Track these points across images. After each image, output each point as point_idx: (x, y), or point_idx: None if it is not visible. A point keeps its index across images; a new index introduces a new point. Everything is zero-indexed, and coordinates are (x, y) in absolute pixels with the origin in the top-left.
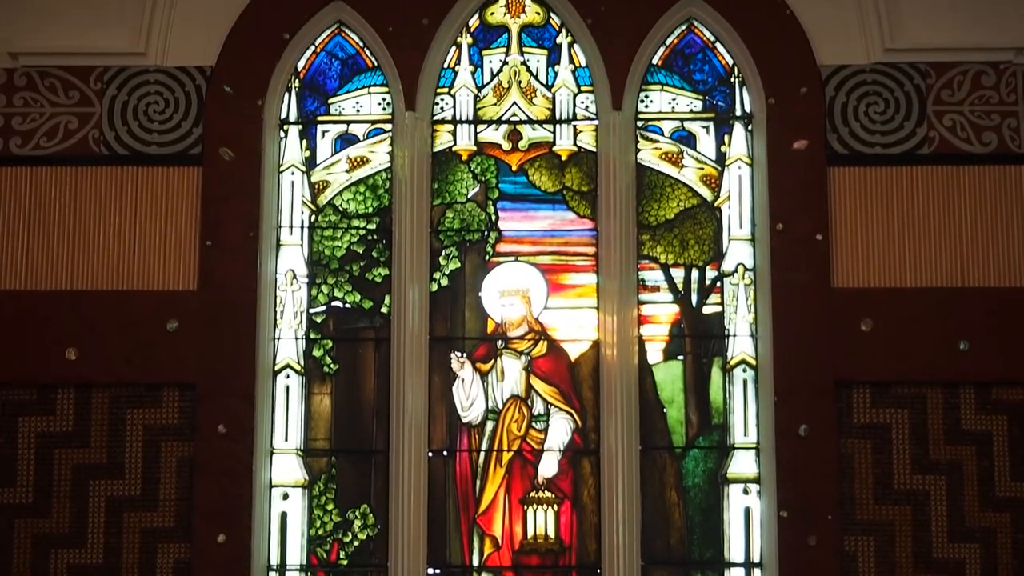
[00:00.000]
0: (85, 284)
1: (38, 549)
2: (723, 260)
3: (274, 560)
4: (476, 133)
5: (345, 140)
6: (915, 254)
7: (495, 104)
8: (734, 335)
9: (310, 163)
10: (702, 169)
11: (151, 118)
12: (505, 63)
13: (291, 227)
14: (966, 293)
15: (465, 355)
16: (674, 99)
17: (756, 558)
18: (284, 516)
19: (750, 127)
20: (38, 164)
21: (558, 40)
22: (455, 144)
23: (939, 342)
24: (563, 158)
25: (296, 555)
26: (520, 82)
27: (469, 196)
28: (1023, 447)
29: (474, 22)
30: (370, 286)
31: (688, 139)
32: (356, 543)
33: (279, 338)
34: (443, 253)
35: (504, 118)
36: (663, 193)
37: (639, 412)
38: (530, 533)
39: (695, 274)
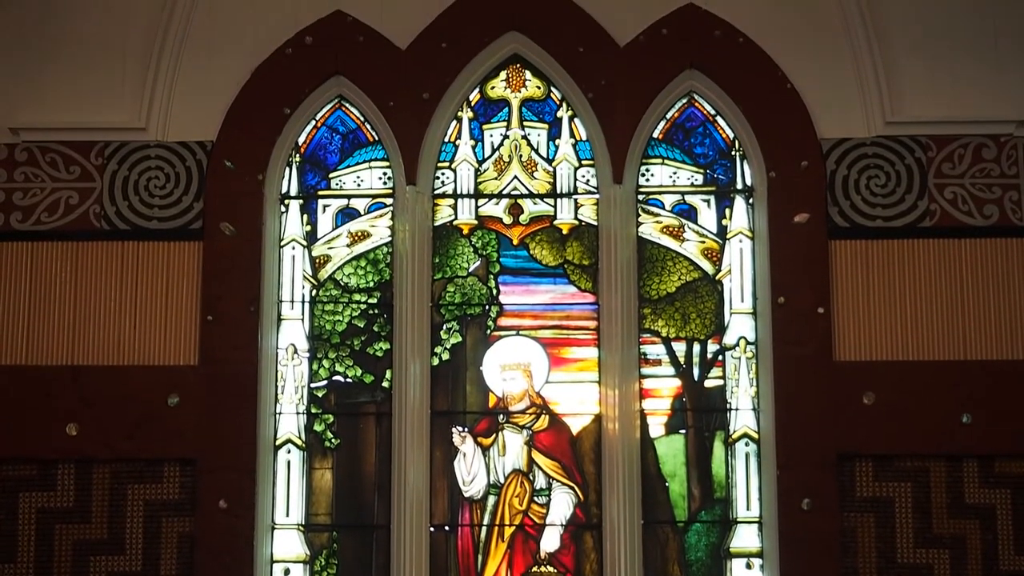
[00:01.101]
0: (86, 359)
1: None
2: (725, 334)
3: None
4: (477, 207)
5: (346, 214)
6: (917, 327)
7: (496, 178)
8: (736, 409)
9: (311, 237)
10: (703, 243)
11: (152, 193)
12: (506, 137)
13: (292, 302)
14: (968, 366)
15: (467, 429)
16: (675, 173)
17: None
18: None
19: (751, 200)
20: (39, 239)
21: (559, 114)
22: (456, 218)
23: (942, 415)
24: (564, 232)
25: None
26: (521, 156)
27: (470, 270)
28: None
29: (475, 96)
30: (371, 360)
31: (689, 213)
32: None
33: (280, 413)
34: (444, 327)
35: (505, 192)
36: (664, 267)
37: (641, 486)
38: None
39: (697, 348)
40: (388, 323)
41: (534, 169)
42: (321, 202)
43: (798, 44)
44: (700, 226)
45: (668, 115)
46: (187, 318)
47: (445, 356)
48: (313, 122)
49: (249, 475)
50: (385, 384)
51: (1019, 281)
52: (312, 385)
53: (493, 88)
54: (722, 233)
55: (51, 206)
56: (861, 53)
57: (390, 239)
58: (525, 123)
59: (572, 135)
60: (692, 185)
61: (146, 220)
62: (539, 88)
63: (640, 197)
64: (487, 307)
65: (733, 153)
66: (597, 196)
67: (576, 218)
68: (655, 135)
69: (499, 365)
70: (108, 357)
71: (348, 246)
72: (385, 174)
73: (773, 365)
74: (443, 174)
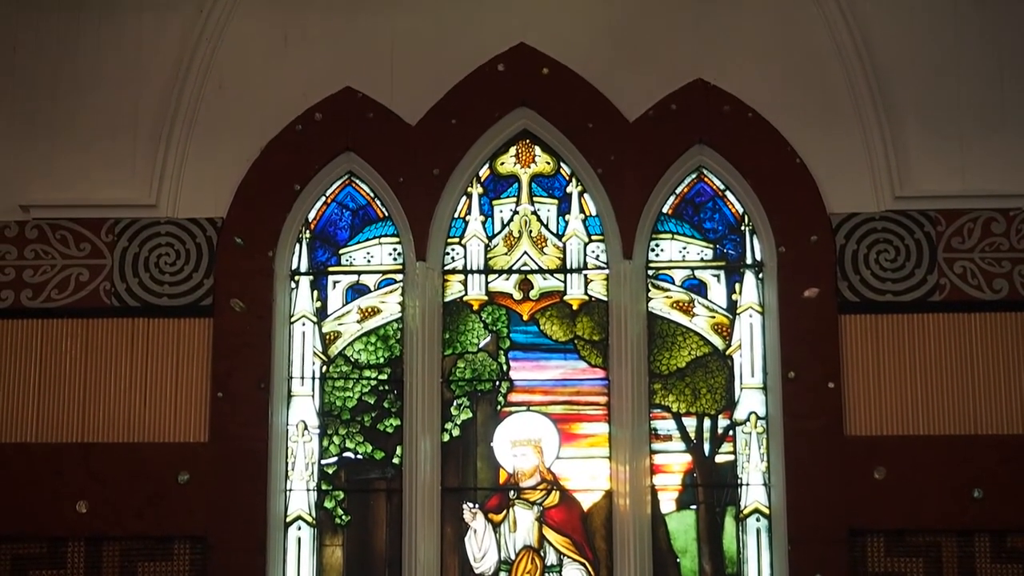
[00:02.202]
0: (96, 436)
1: None
2: (735, 408)
3: None
4: (487, 283)
5: (356, 290)
6: (928, 401)
7: (506, 254)
8: (747, 484)
9: (321, 314)
10: (713, 317)
11: (162, 270)
12: (516, 212)
13: (302, 378)
14: (979, 441)
15: (477, 506)
16: (685, 248)
17: None
18: None
19: (761, 275)
20: (49, 316)
21: (568, 189)
22: (466, 294)
23: (953, 490)
24: (574, 307)
25: None
26: (531, 231)
27: (480, 346)
28: None
29: (484, 172)
30: (382, 437)
31: (699, 287)
32: None
33: (290, 490)
34: (455, 403)
35: (515, 268)
36: (674, 342)
37: (652, 562)
38: None
39: (707, 423)
40: (398, 399)
41: (544, 245)
42: (331, 278)
43: (807, 119)
44: (710, 301)
45: (678, 190)
46: (197, 395)
47: (455, 432)
48: (323, 198)
49: (259, 552)
50: (395, 460)
51: None
52: (322, 462)
53: (503, 164)
54: (732, 308)
55: (61, 283)
56: (870, 127)
57: (400, 315)
58: (535, 199)
59: (582, 210)
60: (702, 260)
61: (156, 297)
62: (549, 163)
63: (650, 272)
64: (497, 383)
65: (743, 228)
66: (607, 271)
67: (586, 293)
68: (665, 210)
69: (510, 441)
70: (118, 434)
71: (358, 322)
72: (395, 250)
73: (784, 440)
74: (453, 250)
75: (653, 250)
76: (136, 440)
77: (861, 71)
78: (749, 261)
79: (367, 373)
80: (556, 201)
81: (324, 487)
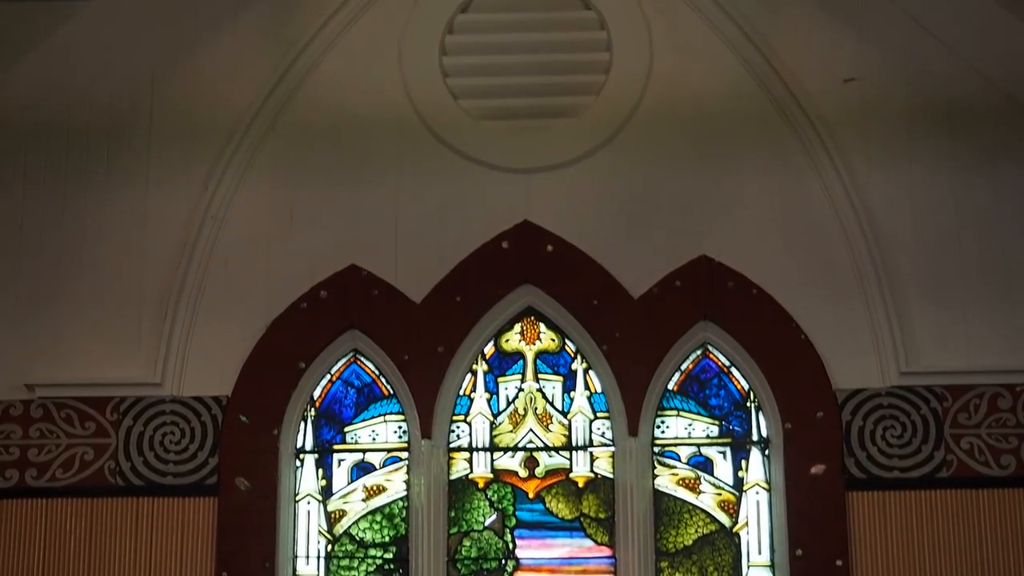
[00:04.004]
0: None
1: None
2: None
3: None
4: (492, 460)
5: (361, 469)
6: None
7: (511, 431)
8: None
9: (326, 492)
10: (720, 495)
11: (167, 448)
12: (521, 390)
13: (307, 557)
14: None
15: None
16: (690, 424)
17: None
18: None
19: (767, 452)
20: (54, 496)
21: (573, 366)
22: (471, 472)
23: None
24: (580, 485)
25: None
26: (536, 409)
27: (486, 524)
28: None
29: (489, 349)
30: None
31: (705, 464)
32: None
33: None
34: None
35: (520, 445)
36: (681, 519)
37: None
38: None
39: None
40: None
41: (549, 422)
42: (336, 456)
43: (811, 295)
44: (716, 478)
45: (683, 367)
46: (202, 574)
47: None
48: (328, 376)
49: None
50: None
51: None
52: None
53: (508, 341)
54: (738, 485)
55: (66, 462)
56: (874, 303)
57: (405, 493)
58: (540, 376)
59: (587, 387)
60: (708, 437)
61: (161, 476)
62: (554, 340)
63: (656, 449)
64: (503, 561)
65: (748, 404)
66: (613, 449)
67: (592, 471)
68: (670, 387)
69: None
70: None
71: (363, 500)
72: (400, 428)
73: None
74: (458, 427)
75: (659, 427)
76: None
77: (864, 246)
78: (755, 438)
79: (372, 552)
80: (561, 378)
81: None
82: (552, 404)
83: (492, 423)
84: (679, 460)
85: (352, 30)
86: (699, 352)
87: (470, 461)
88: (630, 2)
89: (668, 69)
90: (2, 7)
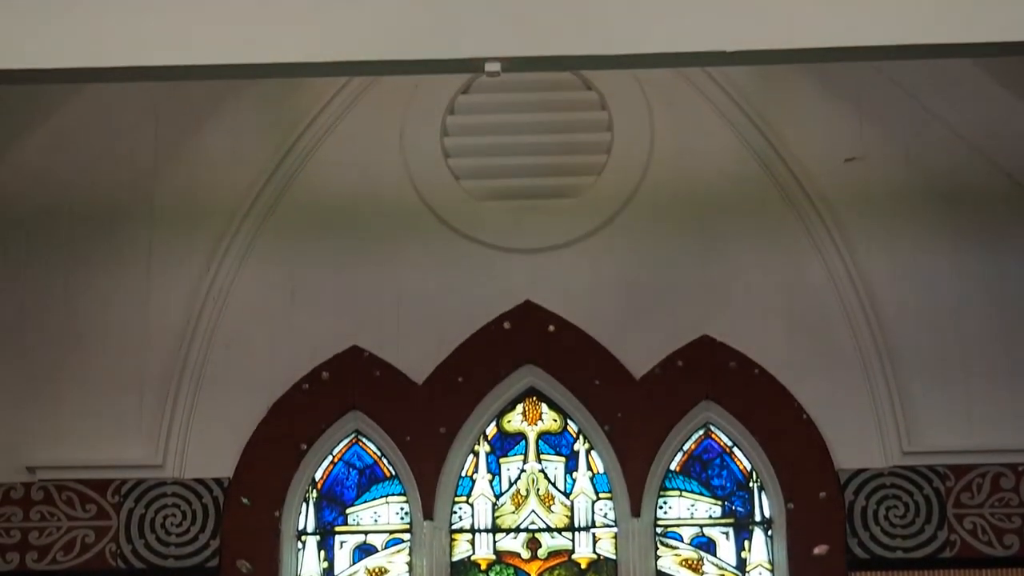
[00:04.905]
0: None
1: None
2: None
3: None
4: (495, 542)
5: (363, 550)
6: None
7: (513, 512)
8: None
9: (328, 574)
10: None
11: (168, 531)
12: (523, 471)
13: None
14: None
15: None
16: (693, 505)
17: None
18: None
19: (770, 532)
20: None
21: (576, 447)
22: (474, 553)
23: None
24: (583, 566)
25: None
26: (538, 490)
27: None
28: None
29: (491, 430)
30: None
31: (708, 545)
32: None
33: None
34: None
35: (523, 526)
36: None
37: None
38: None
39: None
40: None
41: (551, 503)
42: (338, 538)
43: (813, 374)
44: (719, 559)
45: (685, 447)
46: None
47: None
48: (330, 457)
49: None
50: None
51: None
52: None
53: (510, 422)
54: (741, 566)
55: (67, 545)
56: (876, 383)
57: (408, 574)
58: (542, 456)
59: (589, 468)
60: (710, 518)
61: (162, 559)
62: (556, 421)
63: (658, 530)
64: None
65: (751, 484)
66: (615, 530)
67: (595, 552)
68: (673, 467)
69: None
70: None
71: None
72: (402, 509)
73: None
74: (460, 508)
75: (661, 507)
76: None
77: (866, 326)
78: (758, 518)
79: None
80: (563, 459)
81: None
82: (554, 485)
83: (494, 504)
84: (682, 541)
85: (353, 111)
86: (701, 432)
87: (472, 542)
88: (631, 82)
89: (669, 149)
90: (2, 90)
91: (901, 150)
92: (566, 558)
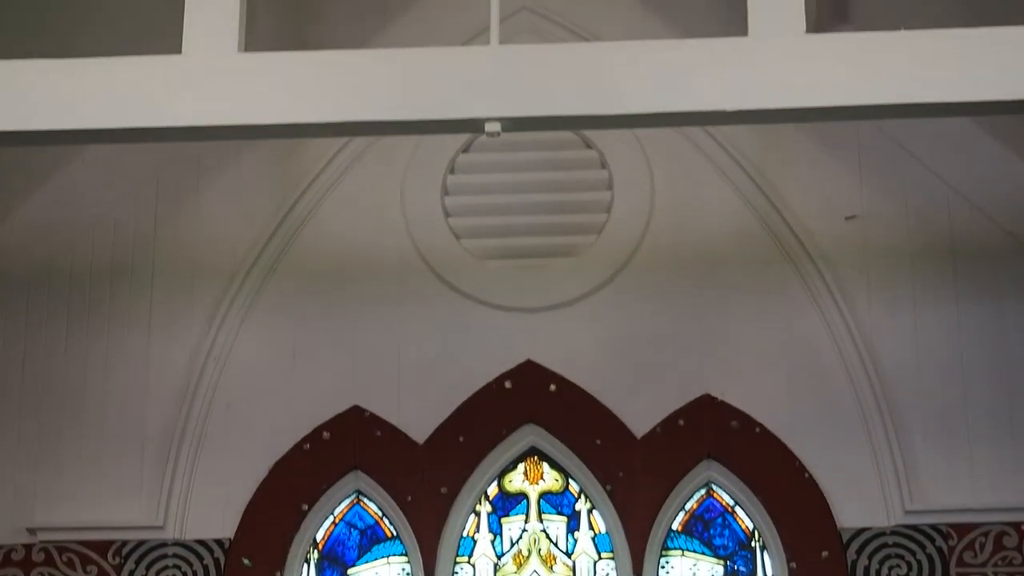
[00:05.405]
0: None
1: None
2: None
3: None
4: None
5: None
6: None
7: (515, 572)
8: None
9: None
10: None
11: None
12: (524, 531)
13: None
14: None
15: None
16: (695, 564)
17: None
18: None
19: None
20: None
21: (577, 507)
22: None
23: None
24: None
25: None
26: (540, 550)
27: None
28: None
29: (493, 490)
30: None
31: None
32: None
33: None
34: None
35: None
36: None
37: None
38: None
39: None
40: None
41: (553, 563)
42: None
43: (815, 433)
44: None
45: (687, 506)
46: None
47: None
48: (331, 518)
49: None
50: None
51: None
52: None
53: (511, 481)
54: None
55: None
56: (878, 441)
57: None
58: (544, 516)
59: (591, 527)
60: None
61: None
62: (557, 480)
63: None
64: None
65: (753, 544)
66: None
67: None
68: (674, 527)
69: None
70: None
71: None
72: (404, 569)
73: None
74: (462, 569)
75: (663, 567)
76: None
77: (868, 385)
78: None
79: None
80: (565, 519)
81: None
82: (556, 545)
83: (496, 564)
84: None
85: (354, 171)
86: (703, 491)
87: None
88: (631, 141)
89: (669, 207)
90: (2, 151)
91: (901, 208)
92: None
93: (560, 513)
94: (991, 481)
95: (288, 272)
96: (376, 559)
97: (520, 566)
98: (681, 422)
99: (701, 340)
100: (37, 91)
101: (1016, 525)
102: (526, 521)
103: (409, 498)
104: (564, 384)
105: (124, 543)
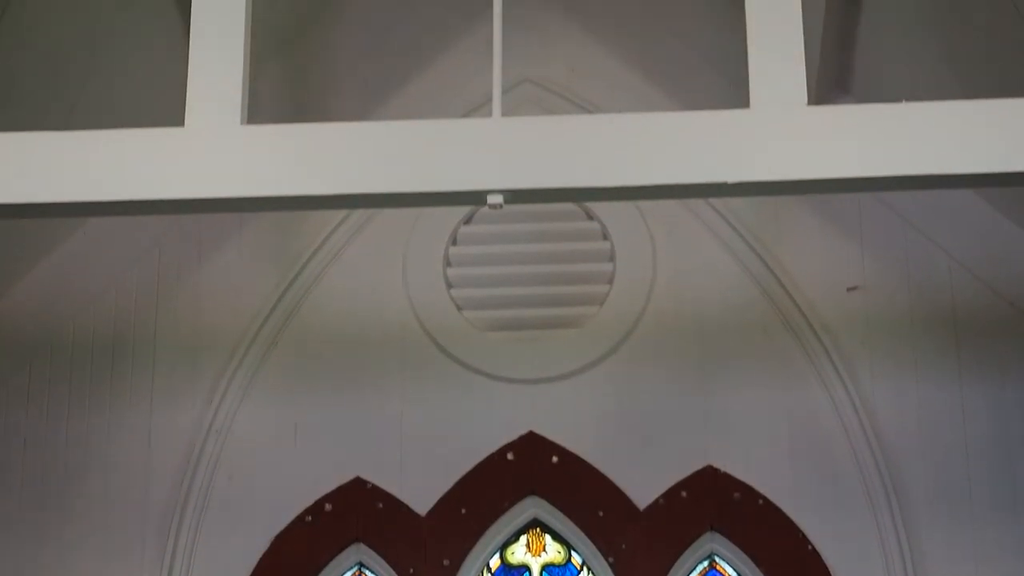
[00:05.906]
0: None
1: None
2: None
3: None
4: None
5: None
6: None
7: None
8: None
9: None
10: None
11: None
12: None
13: None
14: None
15: None
16: None
17: None
18: None
19: None
20: None
21: None
22: None
23: None
24: None
25: None
26: None
27: None
28: None
29: (495, 562)
30: None
31: None
32: None
33: None
34: None
35: None
36: None
37: None
38: None
39: None
40: None
41: None
42: None
43: (818, 505)
44: None
45: None
46: None
47: None
48: None
49: None
50: None
51: None
52: None
53: (513, 553)
54: None
55: None
56: (882, 514)
57: None
58: None
59: None
60: None
61: None
62: (559, 552)
63: None
64: None
65: None
66: None
67: None
68: None
69: None
70: None
71: None
72: None
73: None
74: None
75: None
76: None
77: (871, 456)
78: None
79: None
80: None
81: None
82: None
83: None
84: None
85: (355, 243)
86: (706, 563)
87: None
88: (633, 212)
89: (671, 279)
90: (3, 224)
91: (903, 279)
92: None
93: None
94: (995, 555)
95: (290, 344)
96: None
97: None
98: (684, 494)
99: (703, 411)
100: (38, 164)
101: None
102: None
103: (411, 570)
104: (566, 456)
105: None
